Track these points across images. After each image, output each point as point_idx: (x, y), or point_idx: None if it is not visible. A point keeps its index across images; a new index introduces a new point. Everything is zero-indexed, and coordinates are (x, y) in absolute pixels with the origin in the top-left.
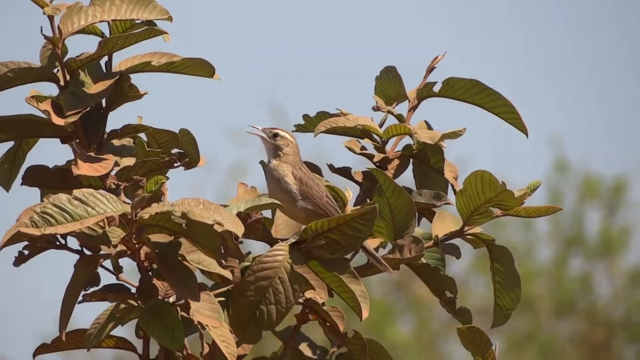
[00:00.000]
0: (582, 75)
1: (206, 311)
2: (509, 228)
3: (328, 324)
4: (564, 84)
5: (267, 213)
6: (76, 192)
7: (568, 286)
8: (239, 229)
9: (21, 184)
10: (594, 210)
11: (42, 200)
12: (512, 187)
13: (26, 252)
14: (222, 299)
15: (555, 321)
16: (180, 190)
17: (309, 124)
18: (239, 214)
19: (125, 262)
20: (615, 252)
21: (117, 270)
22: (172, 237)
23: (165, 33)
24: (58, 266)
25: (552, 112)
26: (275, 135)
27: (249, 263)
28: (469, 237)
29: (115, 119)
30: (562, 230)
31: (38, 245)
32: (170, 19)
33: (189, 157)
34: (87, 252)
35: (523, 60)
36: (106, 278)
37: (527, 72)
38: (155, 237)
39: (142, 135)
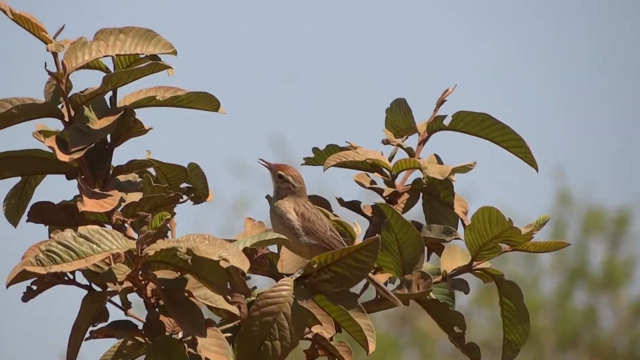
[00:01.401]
0: (584, 106)
1: (213, 347)
2: (513, 261)
3: (336, 359)
4: (566, 115)
5: (273, 248)
6: (81, 229)
7: (572, 318)
8: (244, 264)
9: (27, 221)
10: (598, 242)
11: (49, 236)
12: (516, 219)
13: (34, 287)
14: (229, 334)
15: (559, 354)
16: (183, 224)
17: (318, 157)
18: (245, 250)
19: (134, 297)
20: (619, 284)
21: (126, 305)
22: (178, 273)
23: (170, 67)
24: (66, 299)
25: (554, 144)
26: (280, 176)
27: (254, 298)
28: (477, 271)
29: (121, 153)
30: (566, 262)
31: (46, 280)
32: (174, 52)
33: (198, 191)
34: (96, 287)
35: (525, 91)
36: (114, 312)
37: (529, 104)
38: (161, 274)
39: (151, 170)
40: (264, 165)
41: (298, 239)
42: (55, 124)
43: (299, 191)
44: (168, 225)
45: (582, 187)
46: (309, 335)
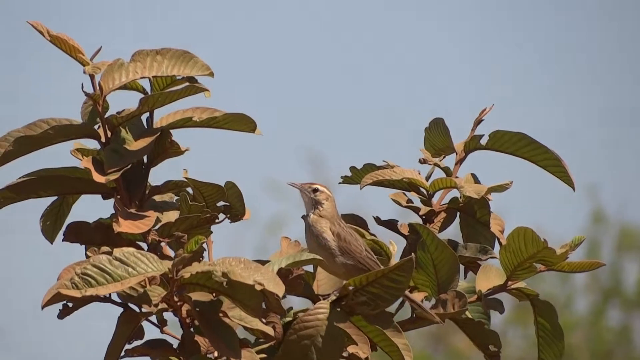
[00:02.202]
0: (618, 124)
1: None
2: (547, 280)
3: None
4: (600, 133)
5: (308, 267)
6: (117, 252)
7: (606, 337)
8: (279, 289)
9: (62, 240)
10: (632, 261)
11: (86, 254)
12: (549, 237)
13: (70, 304)
14: (264, 355)
15: None
16: (220, 242)
17: (355, 176)
18: (280, 270)
19: (170, 315)
20: None
21: (162, 323)
22: (214, 294)
23: (207, 90)
24: (101, 316)
25: (589, 162)
26: (315, 190)
27: (290, 318)
28: (512, 291)
29: (158, 173)
30: (600, 281)
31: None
32: (211, 74)
33: (235, 209)
34: (132, 306)
35: (558, 108)
36: (150, 329)
37: (561, 121)
38: (196, 295)
39: (189, 189)
40: (295, 187)
41: (334, 259)
42: (93, 143)
43: (334, 205)
44: (205, 244)
45: (616, 206)
46: (345, 354)
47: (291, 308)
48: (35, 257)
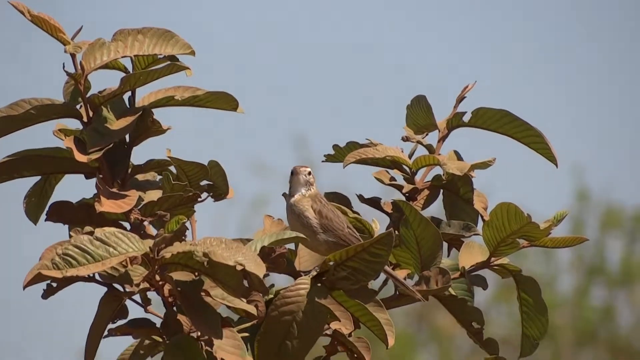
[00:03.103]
0: (603, 104)
1: (229, 347)
2: (531, 258)
3: (355, 355)
4: (585, 114)
5: (290, 245)
6: (98, 232)
7: (590, 316)
8: (260, 269)
9: (45, 220)
10: (616, 240)
11: (69, 234)
12: (534, 216)
13: (54, 284)
14: (246, 334)
15: (577, 351)
16: (204, 221)
17: (338, 154)
18: (263, 248)
19: (154, 294)
20: (637, 282)
21: (145, 302)
22: (195, 274)
23: (188, 68)
24: (85, 296)
25: (573, 141)
26: (309, 172)
27: (272, 296)
28: (495, 267)
29: (141, 153)
30: (584, 259)
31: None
32: (192, 53)
33: (218, 189)
34: (115, 285)
35: (543, 89)
36: (134, 308)
37: (547, 100)
38: (178, 275)
39: (172, 168)
40: (298, 172)
41: (316, 237)
42: (75, 124)
43: (315, 186)
44: (188, 223)
45: (600, 185)
46: (328, 332)
47: (273, 285)
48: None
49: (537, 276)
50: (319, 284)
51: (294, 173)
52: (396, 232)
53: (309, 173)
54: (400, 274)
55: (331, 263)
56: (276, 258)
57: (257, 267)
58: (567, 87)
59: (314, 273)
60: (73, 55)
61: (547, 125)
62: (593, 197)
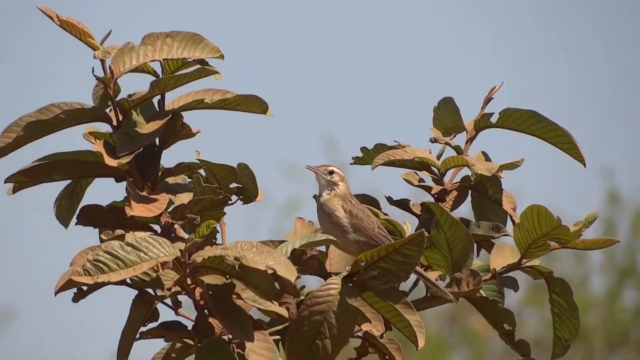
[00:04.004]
0: (634, 106)
1: (261, 350)
2: (562, 260)
3: (387, 357)
4: (616, 115)
5: (321, 247)
6: (129, 238)
7: (621, 318)
8: (291, 274)
9: (76, 224)
10: None
11: (100, 237)
12: (564, 218)
13: (84, 288)
14: (278, 337)
15: (608, 352)
16: (234, 223)
17: (366, 157)
18: (294, 251)
19: (185, 297)
20: None
21: (176, 305)
22: (226, 277)
23: (217, 72)
24: (117, 299)
25: (604, 143)
26: (331, 172)
27: (303, 297)
28: (527, 269)
29: (170, 156)
30: (616, 261)
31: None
32: (221, 57)
33: (248, 191)
34: (147, 289)
35: (573, 91)
36: (165, 311)
37: (579, 104)
38: (209, 279)
39: (201, 171)
40: (312, 171)
41: (346, 237)
42: (105, 127)
43: (345, 187)
44: (218, 226)
45: (631, 188)
46: (359, 334)
47: (304, 287)
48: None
49: (569, 278)
50: (350, 284)
51: (315, 174)
52: (426, 233)
53: (330, 172)
54: (432, 275)
55: (362, 263)
56: (307, 260)
57: (288, 272)
58: (598, 89)
59: (344, 273)
60: (102, 60)
61: (578, 127)
62: (624, 199)
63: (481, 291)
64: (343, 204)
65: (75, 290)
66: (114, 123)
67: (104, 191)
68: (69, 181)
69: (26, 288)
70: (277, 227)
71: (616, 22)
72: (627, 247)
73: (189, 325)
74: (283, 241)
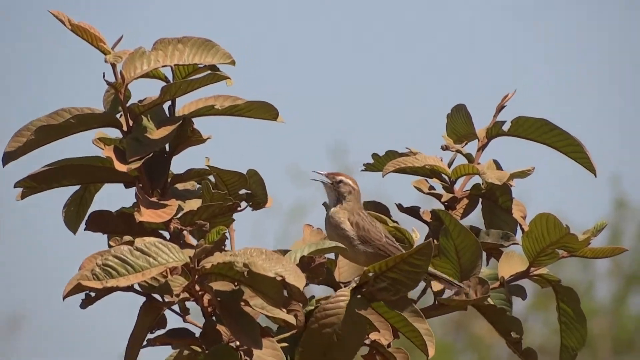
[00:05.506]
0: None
1: (269, 357)
2: (568, 266)
3: None
4: (623, 121)
5: (330, 255)
6: (138, 243)
7: (628, 324)
8: (300, 281)
9: (85, 229)
10: None
11: (108, 243)
12: (572, 225)
13: (92, 294)
14: (286, 344)
15: (614, 359)
16: (242, 229)
17: (377, 163)
18: (303, 258)
19: (192, 304)
20: None
21: (184, 312)
22: (235, 284)
23: (228, 78)
24: (124, 305)
25: (611, 150)
26: (339, 182)
27: (312, 307)
28: (535, 277)
29: (180, 162)
30: (622, 268)
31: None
32: (233, 62)
33: (257, 197)
34: (154, 295)
35: (582, 97)
36: (173, 317)
37: (585, 112)
38: (218, 285)
39: (211, 177)
40: (318, 179)
41: (354, 248)
42: (114, 132)
43: (358, 196)
44: (227, 232)
45: (638, 194)
46: (367, 342)
47: (313, 296)
48: (60, 244)
49: (575, 284)
50: (359, 296)
51: (322, 183)
52: (435, 241)
53: (339, 182)
54: (440, 284)
55: (370, 274)
56: (316, 268)
57: (297, 279)
58: (607, 96)
59: (353, 285)
60: (113, 65)
61: (585, 134)
62: (631, 205)
63: (489, 299)
64: (349, 217)
65: (83, 296)
66: (124, 128)
67: (112, 198)
68: (77, 187)
69: (34, 294)
70: (283, 233)
71: (625, 25)
72: (634, 253)
73: (197, 332)
74: (289, 250)
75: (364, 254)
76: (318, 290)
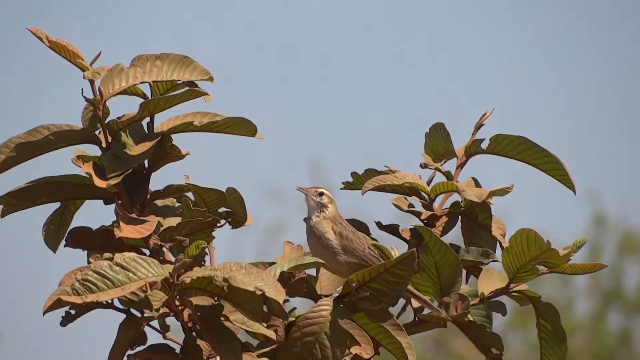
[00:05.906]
0: (619, 129)
1: None
2: (547, 282)
3: None
4: (601, 138)
5: (311, 271)
6: (117, 258)
7: (606, 341)
8: (280, 295)
9: (64, 246)
10: (633, 265)
11: (88, 260)
12: (552, 242)
13: (72, 311)
14: (266, 359)
15: None
16: (220, 247)
17: (356, 182)
18: (283, 273)
19: (173, 320)
20: None
21: (164, 329)
22: (215, 299)
23: (207, 94)
24: (104, 321)
25: (590, 166)
26: (321, 194)
27: (293, 319)
28: (514, 294)
29: (159, 178)
30: (601, 284)
31: (84, 305)
32: (211, 79)
33: (236, 215)
34: (134, 311)
35: (558, 115)
36: (153, 335)
37: (562, 127)
38: (198, 300)
39: (190, 194)
40: (303, 192)
41: (336, 258)
42: (94, 150)
43: (335, 209)
44: (207, 249)
45: (617, 210)
46: (348, 357)
47: (295, 309)
48: (38, 261)
49: (554, 300)
50: (341, 305)
51: (305, 195)
52: (414, 249)
53: (320, 194)
54: (419, 303)
55: (353, 284)
56: (296, 283)
57: (277, 293)
58: (584, 112)
59: (336, 294)
60: (92, 81)
61: (563, 150)
62: (610, 222)
63: (469, 316)
64: (333, 226)
65: (63, 313)
66: (103, 145)
67: (92, 216)
68: (57, 205)
69: (13, 311)
70: (261, 250)
71: (603, 43)
72: (613, 270)
73: (177, 349)
74: (272, 263)
75: (346, 265)
76: (300, 304)
